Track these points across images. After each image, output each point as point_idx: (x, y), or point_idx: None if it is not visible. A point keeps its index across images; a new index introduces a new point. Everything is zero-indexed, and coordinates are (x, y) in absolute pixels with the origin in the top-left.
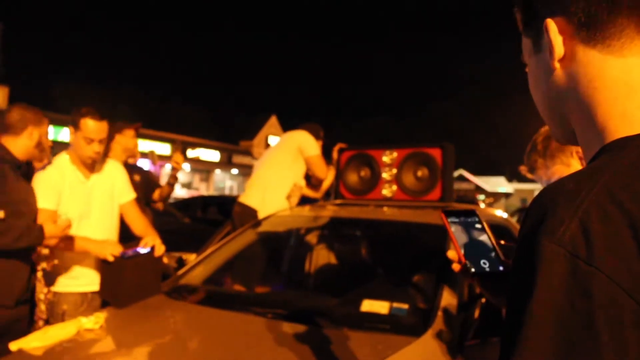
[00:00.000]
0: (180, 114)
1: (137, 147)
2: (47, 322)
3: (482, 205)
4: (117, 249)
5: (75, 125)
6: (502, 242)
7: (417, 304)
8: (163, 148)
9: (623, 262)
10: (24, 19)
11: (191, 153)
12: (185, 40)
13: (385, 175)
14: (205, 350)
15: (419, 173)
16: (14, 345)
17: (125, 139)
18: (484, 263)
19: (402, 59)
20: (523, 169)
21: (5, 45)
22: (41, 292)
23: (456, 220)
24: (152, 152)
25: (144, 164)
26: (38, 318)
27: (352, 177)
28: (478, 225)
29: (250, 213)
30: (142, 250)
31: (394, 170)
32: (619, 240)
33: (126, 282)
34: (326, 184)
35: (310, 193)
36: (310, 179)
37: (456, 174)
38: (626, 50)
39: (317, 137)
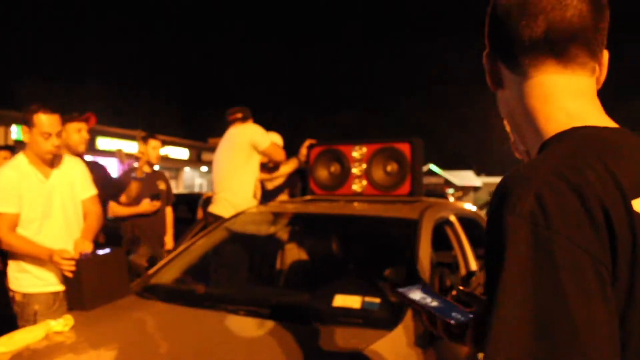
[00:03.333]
0: (148, 111)
1: (81, 144)
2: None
3: (452, 199)
4: (66, 253)
5: (28, 123)
6: (461, 287)
7: (388, 298)
8: (131, 146)
9: (575, 223)
10: None
11: (160, 151)
12: (152, 36)
13: (355, 170)
14: (177, 349)
15: (389, 168)
16: None
17: (65, 133)
18: (456, 315)
19: (370, 56)
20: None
21: None
22: None
23: (409, 290)
24: (119, 151)
25: (112, 163)
26: None
27: (322, 173)
28: (428, 288)
29: None
30: (100, 251)
31: (364, 166)
32: (569, 206)
33: (85, 284)
34: (286, 169)
35: (266, 176)
36: (267, 164)
37: (425, 168)
38: (535, 72)
39: (250, 120)
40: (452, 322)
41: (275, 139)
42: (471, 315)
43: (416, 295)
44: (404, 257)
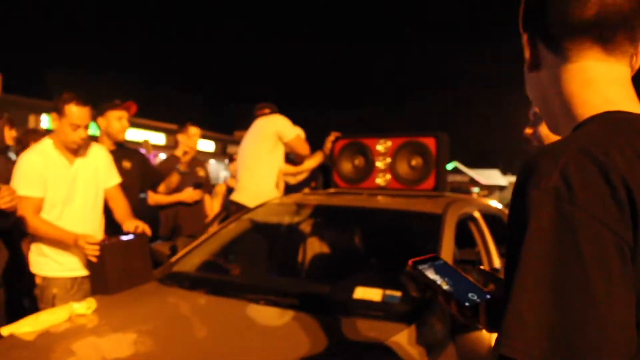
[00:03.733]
0: (174, 103)
1: (122, 132)
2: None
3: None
4: (92, 238)
5: (59, 112)
6: (481, 267)
7: (409, 291)
8: (157, 137)
9: (600, 201)
10: (19, 7)
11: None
12: (179, 29)
13: (379, 164)
14: (197, 335)
15: (413, 162)
16: (5, 330)
17: (106, 121)
18: (472, 295)
19: (397, 52)
20: (528, 131)
21: None
22: None
23: (426, 265)
24: (146, 142)
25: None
26: None
27: (346, 166)
28: (447, 265)
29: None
30: (124, 237)
31: (388, 159)
32: (594, 184)
33: (109, 269)
34: (310, 164)
35: (291, 169)
36: (294, 158)
37: (451, 166)
38: (578, 57)
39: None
40: (467, 304)
41: (298, 132)
42: (488, 296)
43: (433, 273)
44: (426, 251)
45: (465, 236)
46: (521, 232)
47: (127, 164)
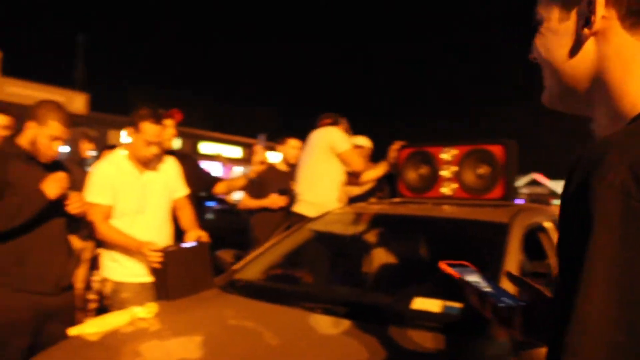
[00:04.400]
0: (250, 117)
1: (168, 140)
2: (101, 306)
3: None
4: (155, 245)
5: (135, 127)
6: (510, 271)
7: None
8: (232, 151)
9: None
10: (105, 28)
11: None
12: (255, 45)
13: (444, 172)
14: (254, 342)
15: (480, 171)
16: (72, 331)
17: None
18: (506, 300)
19: (475, 60)
20: None
21: (86, 54)
22: (96, 279)
23: (461, 269)
24: (219, 155)
25: (214, 167)
26: (90, 302)
27: (411, 175)
28: (479, 272)
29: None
30: (185, 244)
31: (454, 168)
32: None
33: (170, 276)
34: (373, 174)
35: (353, 190)
36: (353, 174)
37: (529, 178)
38: None
39: (339, 126)
40: (502, 305)
41: (363, 142)
42: (522, 303)
43: (470, 277)
44: (491, 262)
45: (536, 247)
46: (584, 232)
47: None
